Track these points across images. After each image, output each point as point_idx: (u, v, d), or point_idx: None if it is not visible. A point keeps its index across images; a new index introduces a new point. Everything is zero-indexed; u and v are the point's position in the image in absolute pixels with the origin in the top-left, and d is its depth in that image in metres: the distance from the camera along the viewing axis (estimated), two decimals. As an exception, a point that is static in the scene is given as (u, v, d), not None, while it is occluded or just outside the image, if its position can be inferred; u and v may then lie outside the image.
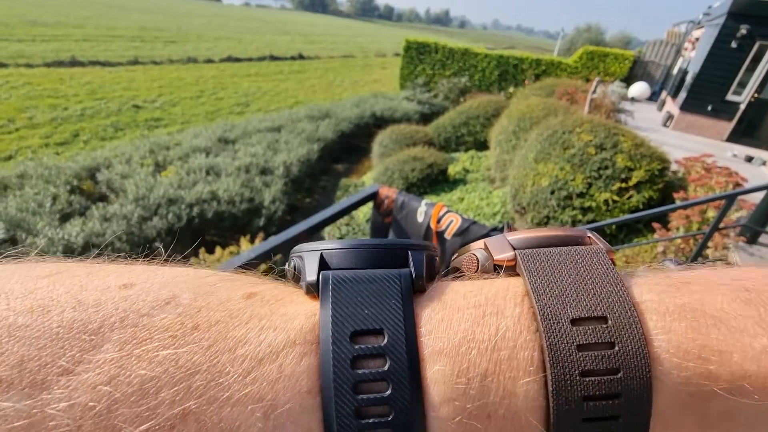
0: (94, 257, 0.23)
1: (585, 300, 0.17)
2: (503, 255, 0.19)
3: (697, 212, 3.50)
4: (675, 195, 3.98)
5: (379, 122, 10.96)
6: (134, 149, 7.21)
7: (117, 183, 5.85)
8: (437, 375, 0.17)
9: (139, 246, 4.75)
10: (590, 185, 4.57)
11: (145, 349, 0.16)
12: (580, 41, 33.02)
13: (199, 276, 0.21)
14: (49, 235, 4.52)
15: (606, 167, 4.54)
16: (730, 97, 8.62)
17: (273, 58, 24.18)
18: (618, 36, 46.11)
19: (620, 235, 4.52)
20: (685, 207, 2.92)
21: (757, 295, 0.18)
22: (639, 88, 11.31)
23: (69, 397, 0.15)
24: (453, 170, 7.43)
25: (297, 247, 0.22)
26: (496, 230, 2.15)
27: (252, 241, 4.30)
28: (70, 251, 4.42)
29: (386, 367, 0.16)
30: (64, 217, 5.05)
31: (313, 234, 2.11)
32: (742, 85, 8.47)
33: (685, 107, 9.02)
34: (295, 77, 19.59)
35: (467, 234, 2.18)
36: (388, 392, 0.16)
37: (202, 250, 4.21)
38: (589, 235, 0.21)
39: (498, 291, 0.19)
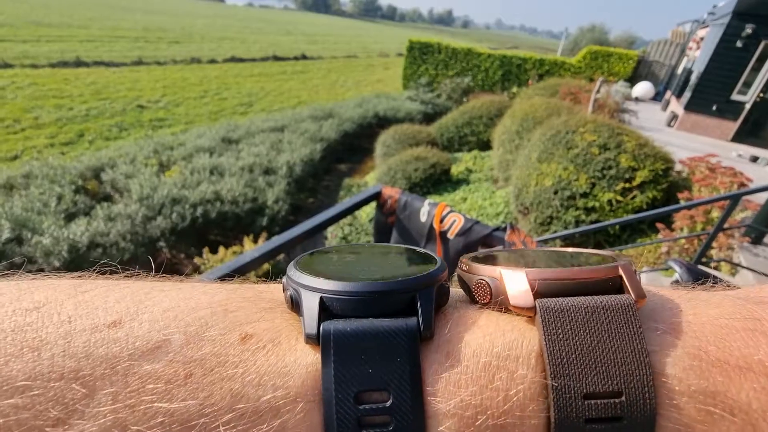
0: (80, 275, 0.22)
1: (602, 372, 0.16)
2: (521, 302, 0.18)
3: (701, 212, 3.48)
4: (679, 195, 3.97)
5: (382, 122, 10.96)
6: (138, 149, 7.25)
7: (121, 183, 5.88)
8: None
9: (143, 246, 4.78)
10: (594, 185, 4.56)
11: (139, 400, 0.16)
12: (584, 41, 32.91)
13: (189, 309, 0.19)
14: (55, 235, 4.55)
15: (609, 167, 4.53)
16: (735, 96, 8.57)
17: (276, 58, 24.23)
18: (622, 36, 45.89)
19: (624, 235, 4.51)
20: (689, 207, 2.91)
21: None
22: (643, 88, 11.26)
23: None
24: (456, 170, 7.43)
25: (293, 274, 0.20)
26: (499, 230, 2.15)
27: (255, 241, 4.32)
28: (75, 250, 4.44)
29: (391, 428, 0.16)
30: (69, 217, 5.09)
31: (316, 234, 2.12)
32: (748, 84, 8.42)
33: (689, 107, 8.97)
34: (298, 77, 19.62)
35: (470, 234, 2.18)
36: None
37: (205, 250, 4.23)
38: (621, 273, 0.18)
39: (511, 348, 0.18)
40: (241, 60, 21.95)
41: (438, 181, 6.95)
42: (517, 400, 0.17)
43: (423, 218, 2.28)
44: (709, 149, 6.25)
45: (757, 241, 3.31)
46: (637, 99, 11.47)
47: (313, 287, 0.18)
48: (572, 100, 8.23)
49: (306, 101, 14.62)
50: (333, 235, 5.07)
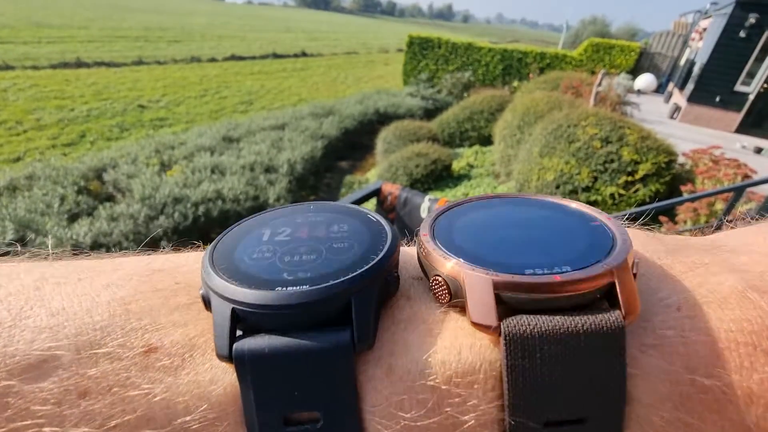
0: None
1: (569, 401, 0.14)
2: (483, 321, 0.14)
3: (704, 205, 3.46)
4: (682, 188, 3.94)
5: (383, 119, 10.93)
6: (140, 149, 7.26)
7: (123, 183, 5.90)
8: None
9: (146, 245, 4.79)
10: (596, 179, 4.54)
11: (23, 425, 0.13)
12: (586, 34, 32.70)
13: (84, 310, 0.16)
14: (58, 235, 4.58)
15: (612, 161, 4.50)
16: (739, 87, 8.49)
17: (276, 56, 24.19)
18: (624, 27, 45.55)
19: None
20: (692, 200, 2.89)
21: None
22: (645, 80, 11.18)
23: None
24: (457, 166, 7.41)
25: (206, 270, 0.17)
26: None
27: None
28: (78, 252, 4.48)
29: None
30: (72, 218, 5.11)
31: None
32: (751, 75, 8.34)
33: (692, 99, 8.90)
34: (298, 75, 19.58)
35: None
36: None
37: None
38: (615, 279, 0.15)
39: (466, 373, 0.15)
40: (241, 58, 21.92)
41: (439, 177, 6.93)
42: (468, 428, 0.14)
43: (423, 214, 2.28)
44: (712, 141, 6.21)
45: (761, 233, 3.28)
46: (639, 91, 11.39)
47: (225, 296, 0.15)
48: (574, 94, 8.18)
49: (306, 99, 14.59)
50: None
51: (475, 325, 0.15)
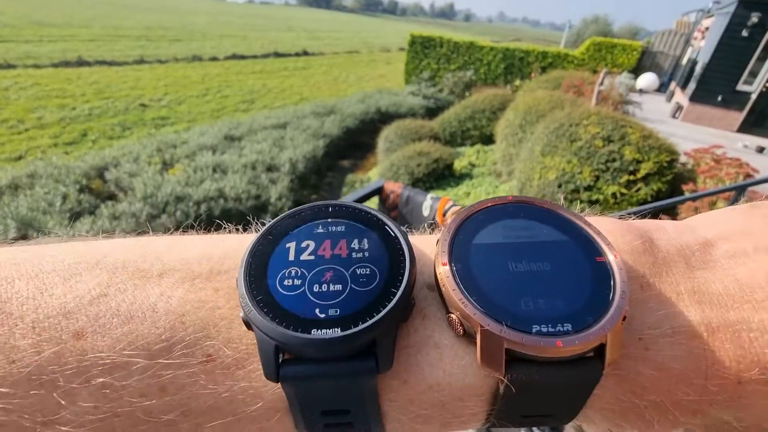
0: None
1: (542, 410, 0.19)
2: (491, 369, 0.18)
3: (706, 204, 3.45)
4: (684, 187, 3.94)
5: (384, 118, 10.93)
6: (142, 148, 7.27)
7: (125, 181, 5.91)
8: None
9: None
10: (598, 178, 4.53)
11: (124, 411, 0.18)
12: (587, 33, 32.59)
13: (150, 322, 0.20)
14: (60, 234, 4.59)
15: (614, 160, 4.50)
16: (741, 87, 8.47)
17: (277, 54, 24.19)
18: (626, 26, 45.44)
19: (628, 228, 4.49)
20: (694, 199, 2.89)
21: None
22: (647, 80, 11.16)
23: None
24: (459, 165, 7.40)
25: (246, 300, 0.19)
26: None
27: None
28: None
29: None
30: (74, 216, 5.12)
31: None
32: (753, 74, 8.32)
33: (694, 98, 8.88)
34: (299, 74, 19.58)
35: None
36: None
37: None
38: (607, 341, 0.18)
39: (468, 391, 0.19)
40: (243, 57, 21.92)
41: (441, 176, 6.93)
42: (463, 419, 0.19)
43: (425, 212, 2.28)
44: (714, 140, 6.19)
45: (763, 232, 3.28)
46: (641, 90, 11.37)
47: (268, 335, 0.18)
48: (575, 93, 8.17)
49: (308, 98, 14.59)
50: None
51: (483, 367, 0.18)
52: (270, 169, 6.86)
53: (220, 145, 7.60)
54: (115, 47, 19.79)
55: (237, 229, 0.26)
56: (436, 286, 0.20)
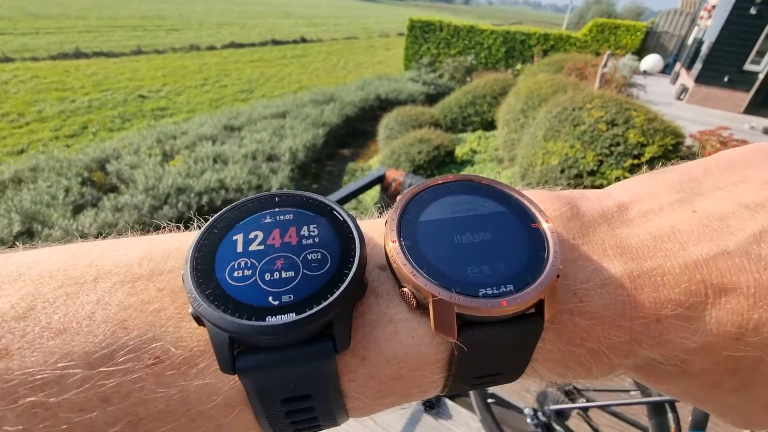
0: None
1: (492, 369, 0.21)
2: (445, 334, 0.18)
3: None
4: (689, 170, 3.89)
5: (384, 105, 10.83)
6: (142, 139, 7.25)
7: (127, 173, 5.90)
8: None
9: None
10: (601, 162, 4.49)
11: (62, 429, 0.17)
12: (590, 14, 31.96)
13: (86, 331, 0.18)
14: (64, 227, 4.61)
15: (618, 143, 4.45)
16: (748, 66, 8.33)
17: (275, 42, 23.90)
18: (629, 6, 44.58)
19: (632, 212, 4.46)
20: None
21: None
22: (651, 61, 10.97)
23: None
24: (460, 151, 7.35)
25: (195, 296, 0.18)
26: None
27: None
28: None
29: (315, 414, 0.19)
30: (77, 209, 5.14)
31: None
32: (761, 53, 8.17)
33: (700, 79, 8.75)
34: (298, 61, 19.38)
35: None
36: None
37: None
38: (545, 297, 0.19)
39: (424, 361, 0.20)
40: (241, 45, 21.69)
41: (442, 163, 6.89)
42: (422, 388, 0.20)
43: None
44: (720, 122, 6.11)
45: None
46: (645, 72, 11.19)
47: (221, 327, 0.17)
48: (578, 76, 8.05)
49: (307, 86, 14.46)
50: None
51: (438, 335, 0.19)
52: (270, 158, 6.84)
53: (219, 136, 7.57)
54: (111, 38, 19.60)
55: (178, 227, 0.25)
56: (387, 265, 0.21)
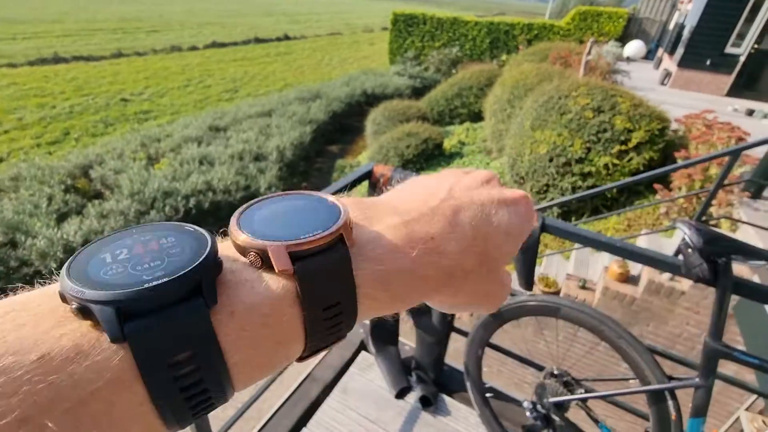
0: None
1: (330, 296, 0.26)
2: (285, 268, 0.24)
3: (699, 170, 3.44)
4: (676, 154, 3.92)
5: (371, 100, 10.77)
6: (125, 143, 7.11)
7: (111, 179, 5.79)
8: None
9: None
10: (589, 150, 4.50)
11: None
12: (572, 2, 32.03)
13: None
14: (48, 236, 4.49)
15: (605, 130, 4.46)
16: (729, 49, 8.42)
17: (258, 40, 23.62)
18: (611, -6, 44.70)
19: (621, 198, 4.48)
20: (687, 166, 2.87)
21: None
22: (634, 47, 11.04)
23: None
24: (449, 144, 7.34)
25: (74, 291, 0.19)
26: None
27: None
28: (70, 251, 4.40)
29: (199, 376, 0.21)
30: (61, 217, 5.02)
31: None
32: (741, 36, 8.26)
33: (683, 63, 8.82)
34: (282, 59, 19.17)
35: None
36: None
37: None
38: (342, 232, 0.26)
39: (281, 301, 0.23)
40: (223, 45, 21.39)
41: (431, 156, 6.88)
42: (285, 327, 0.24)
43: (417, 194, 2.23)
44: (704, 105, 6.17)
45: (756, 195, 3.28)
46: (628, 59, 11.26)
47: (107, 301, 0.19)
48: (563, 65, 8.07)
49: (292, 83, 14.31)
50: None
51: (281, 271, 0.24)
52: (258, 158, 6.75)
53: (205, 137, 7.45)
54: (90, 41, 19.17)
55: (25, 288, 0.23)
56: (234, 247, 0.26)
